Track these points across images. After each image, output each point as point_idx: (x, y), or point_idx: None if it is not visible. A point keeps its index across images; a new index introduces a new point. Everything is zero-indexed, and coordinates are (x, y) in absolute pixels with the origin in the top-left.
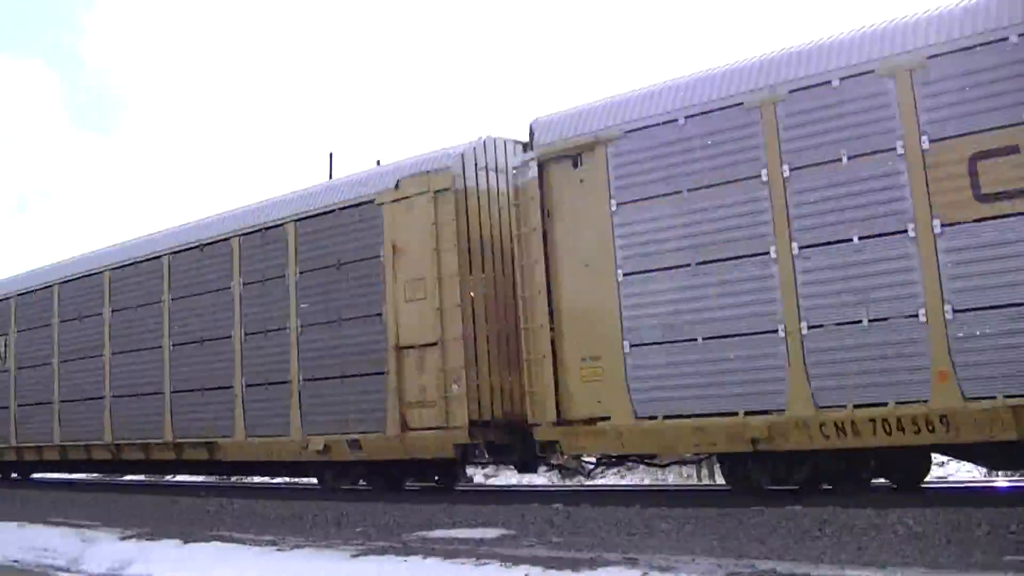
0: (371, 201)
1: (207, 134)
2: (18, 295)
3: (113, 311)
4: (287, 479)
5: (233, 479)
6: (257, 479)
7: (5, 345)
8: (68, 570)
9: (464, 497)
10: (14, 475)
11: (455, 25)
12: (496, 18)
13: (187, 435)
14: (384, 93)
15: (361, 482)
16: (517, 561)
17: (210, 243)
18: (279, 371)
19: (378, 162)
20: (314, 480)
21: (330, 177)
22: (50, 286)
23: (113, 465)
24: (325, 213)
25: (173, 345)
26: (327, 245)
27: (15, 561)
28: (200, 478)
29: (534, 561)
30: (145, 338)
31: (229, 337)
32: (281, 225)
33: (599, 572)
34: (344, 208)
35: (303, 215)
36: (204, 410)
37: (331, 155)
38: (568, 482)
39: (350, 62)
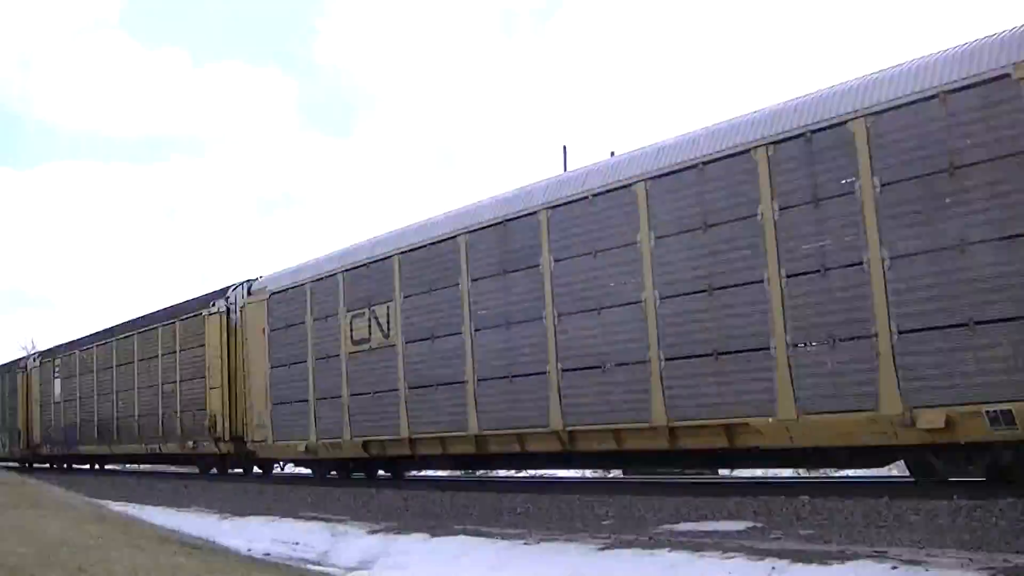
0: None
1: (441, 129)
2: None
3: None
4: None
5: (479, 473)
6: (502, 473)
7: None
8: (318, 564)
9: (709, 489)
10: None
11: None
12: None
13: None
14: (614, 84)
15: None
16: (763, 554)
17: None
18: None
19: (612, 153)
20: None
21: (564, 170)
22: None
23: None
24: None
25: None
26: None
27: (267, 554)
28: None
29: (781, 554)
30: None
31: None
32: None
33: (847, 566)
34: None
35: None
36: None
37: (564, 148)
38: (813, 473)
39: (579, 53)
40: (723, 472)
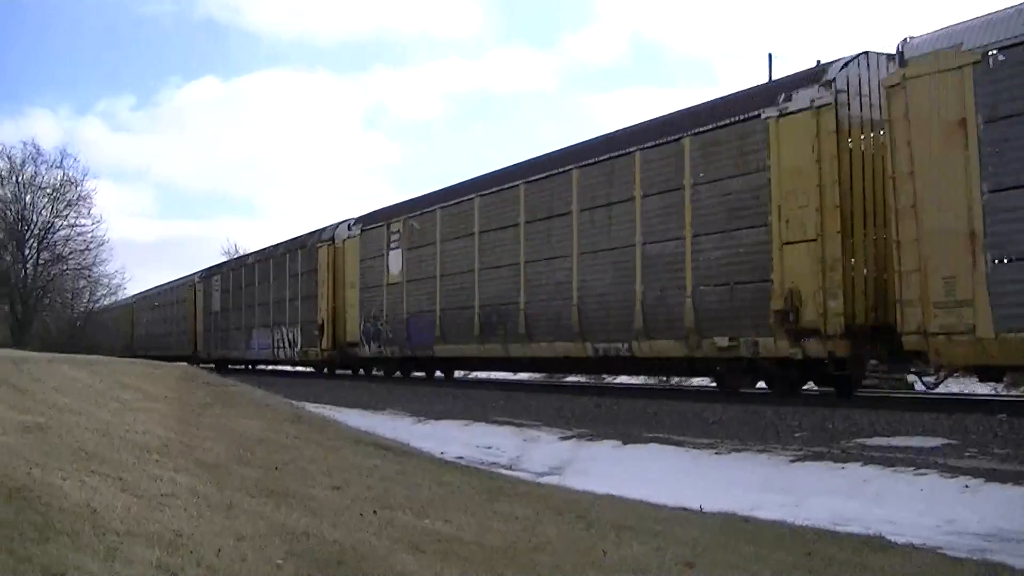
0: None
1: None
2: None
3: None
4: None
5: (674, 381)
6: (695, 381)
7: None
8: (510, 468)
9: (903, 404)
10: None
11: None
12: None
13: None
14: None
15: None
16: (956, 472)
17: None
18: None
19: (818, 62)
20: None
21: (770, 79)
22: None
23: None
24: None
25: None
26: None
27: (460, 458)
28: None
29: (975, 472)
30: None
31: None
32: None
33: None
34: None
35: None
36: None
37: (770, 56)
38: (1014, 392)
39: None
40: (919, 388)
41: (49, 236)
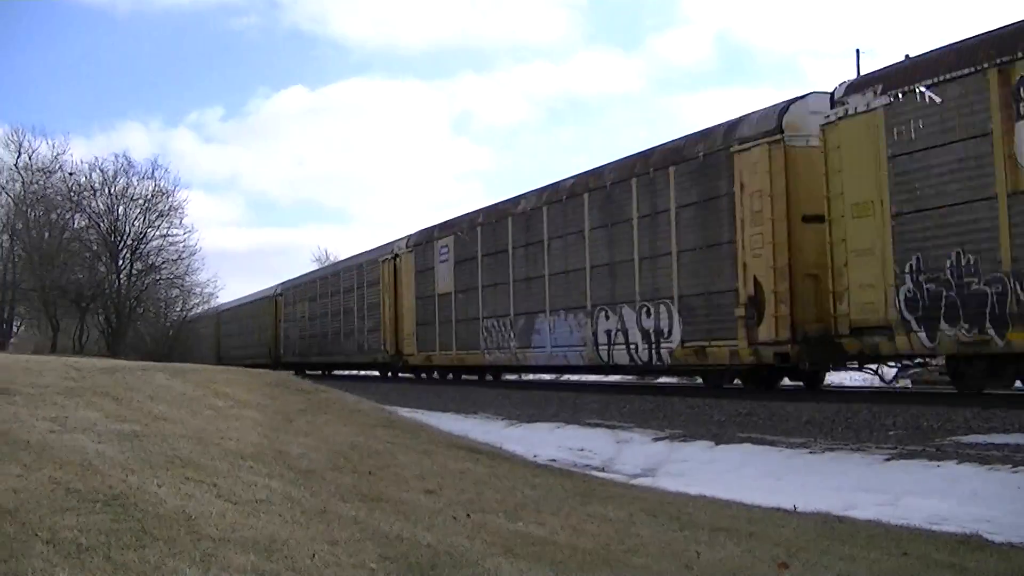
0: None
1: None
2: None
3: None
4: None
5: None
6: (788, 382)
7: None
8: (603, 470)
9: (999, 401)
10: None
11: None
12: None
13: None
14: None
15: None
16: None
17: None
18: None
19: (906, 56)
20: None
21: (857, 74)
22: None
23: None
24: None
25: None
26: None
27: (552, 460)
28: None
29: None
30: None
31: None
32: None
33: None
34: None
35: None
36: None
37: (857, 52)
38: None
39: None
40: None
41: (142, 247)
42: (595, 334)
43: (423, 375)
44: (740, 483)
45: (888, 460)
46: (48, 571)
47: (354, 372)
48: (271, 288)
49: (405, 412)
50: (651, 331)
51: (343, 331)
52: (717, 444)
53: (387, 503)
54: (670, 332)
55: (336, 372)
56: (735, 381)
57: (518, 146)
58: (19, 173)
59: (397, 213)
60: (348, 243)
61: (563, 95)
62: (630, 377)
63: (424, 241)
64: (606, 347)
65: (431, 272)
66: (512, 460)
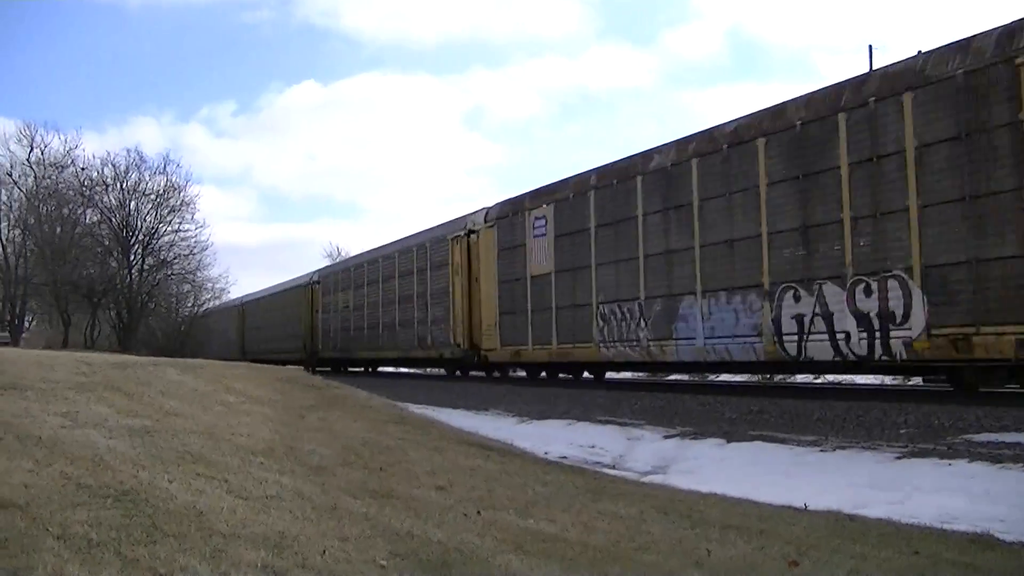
0: None
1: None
2: None
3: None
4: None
5: (777, 378)
6: (799, 378)
7: None
8: (613, 467)
9: (1011, 400)
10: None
11: None
12: None
13: None
14: None
15: None
16: None
17: None
18: None
19: (919, 52)
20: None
21: (870, 69)
22: None
23: None
24: None
25: None
26: None
27: (563, 457)
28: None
29: None
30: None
31: None
32: None
33: None
34: None
35: None
36: None
37: (870, 48)
38: None
39: None
40: None
41: (154, 241)
42: (777, 321)
43: (511, 372)
44: (751, 481)
45: (899, 458)
46: (59, 566)
47: (406, 370)
48: (305, 275)
49: (416, 408)
50: (873, 315)
51: (397, 322)
52: (728, 442)
53: (398, 499)
54: (906, 316)
55: (382, 369)
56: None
57: (530, 141)
58: (31, 168)
59: (408, 208)
60: (361, 238)
61: (575, 90)
62: (641, 374)
63: (511, 213)
64: (795, 338)
65: (520, 250)
66: (523, 457)
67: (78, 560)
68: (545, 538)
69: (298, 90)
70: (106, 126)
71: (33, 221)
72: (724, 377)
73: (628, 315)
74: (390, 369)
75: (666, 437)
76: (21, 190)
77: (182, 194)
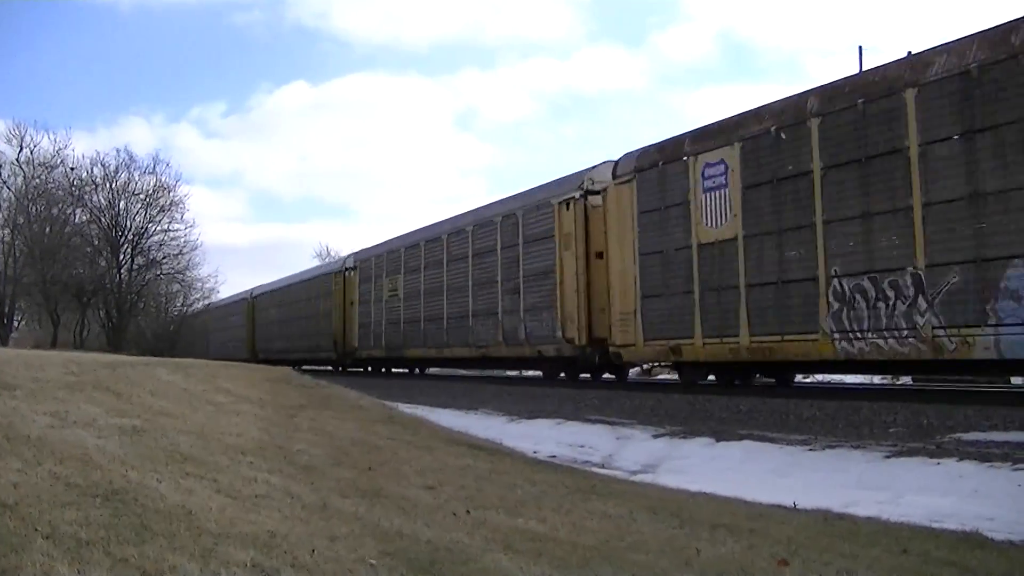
0: None
1: (737, 30)
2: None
3: None
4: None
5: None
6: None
7: None
8: (603, 467)
9: (1000, 399)
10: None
11: None
12: None
13: None
14: None
15: None
16: None
17: None
18: None
19: (909, 52)
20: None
21: (860, 70)
22: None
23: None
24: None
25: None
26: None
27: (552, 456)
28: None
29: None
30: None
31: None
32: None
33: None
34: None
35: None
36: None
37: (860, 48)
38: None
39: None
40: (1016, 380)
41: (143, 241)
42: None
43: (654, 376)
44: (741, 480)
45: (888, 457)
46: (48, 566)
47: (466, 372)
48: (336, 261)
49: (406, 408)
50: None
51: (472, 312)
52: (718, 441)
53: (387, 499)
54: None
55: (431, 371)
56: None
57: (522, 142)
58: (21, 168)
59: (400, 208)
60: (352, 239)
61: (566, 91)
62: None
63: (660, 162)
64: None
65: (679, 209)
66: (512, 456)
67: (67, 560)
68: (534, 537)
69: (288, 91)
70: (96, 126)
71: (22, 220)
72: None
73: (891, 292)
74: (446, 372)
75: (656, 436)
76: (10, 189)
77: (171, 194)
